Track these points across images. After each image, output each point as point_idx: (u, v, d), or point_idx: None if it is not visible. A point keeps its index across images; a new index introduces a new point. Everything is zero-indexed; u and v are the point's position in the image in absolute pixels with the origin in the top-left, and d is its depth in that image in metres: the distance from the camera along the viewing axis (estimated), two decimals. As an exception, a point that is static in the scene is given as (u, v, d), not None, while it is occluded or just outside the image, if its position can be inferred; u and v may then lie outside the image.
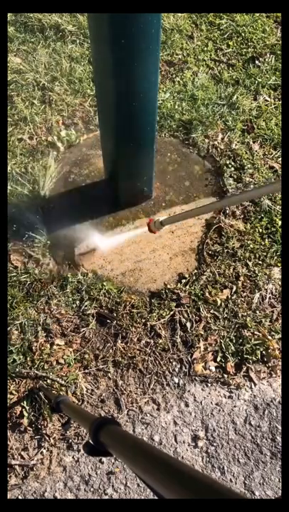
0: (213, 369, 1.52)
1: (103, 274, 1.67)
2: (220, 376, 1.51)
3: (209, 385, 1.50)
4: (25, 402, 1.40)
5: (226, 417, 1.45)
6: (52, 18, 2.21)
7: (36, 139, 1.94)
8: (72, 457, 1.37)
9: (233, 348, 1.54)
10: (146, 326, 1.56)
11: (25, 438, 1.38)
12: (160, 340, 1.54)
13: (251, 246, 1.72)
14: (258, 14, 2.37)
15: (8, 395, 1.40)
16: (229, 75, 2.17)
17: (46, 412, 1.38)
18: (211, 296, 1.61)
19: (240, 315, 1.59)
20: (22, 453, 1.36)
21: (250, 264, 1.69)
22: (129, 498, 1.31)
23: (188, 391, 1.48)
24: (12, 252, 1.67)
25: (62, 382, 1.43)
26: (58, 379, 1.43)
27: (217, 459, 1.39)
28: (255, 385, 1.51)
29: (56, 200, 1.80)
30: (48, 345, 1.50)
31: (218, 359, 1.53)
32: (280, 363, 1.52)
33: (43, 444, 1.37)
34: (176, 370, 1.51)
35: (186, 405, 1.46)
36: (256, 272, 1.68)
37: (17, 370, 1.43)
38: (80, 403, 1.44)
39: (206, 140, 1.98)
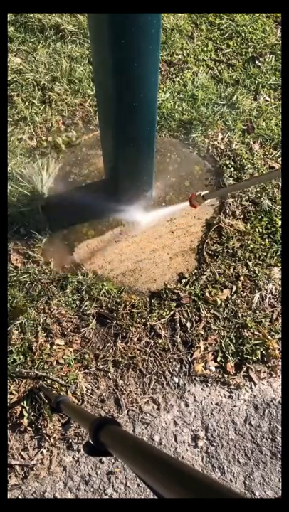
0: (213, 369, 1.52)
1: (103, 274, 1.67)
2: (220, 376, 1.51)
3: (209, 384, 1.50)
4: (25, 402, 1.40)
5: (226, 416, 1.45)
6: (52, 18, 2.21)
7: (36, 139, 1.94)
8: (73, 457, 1.37)
9: (233, 348, 1.54)
10: (146, 326, 1.56)
11: (26, 438, 1.38)
12: (160, 340, 1.54)
13: (251, 246, 1.72)
14: (258, 14, 2.36)
15: (8, 395, 1.41)
16: (229, 75, 2.17)
17: (46, 412, 1.38)
18: (211, 296, 1.61)
19: (240, 315, 1.59)
20: (22, 453, 1.36)
21: (250, 264, 1.69)
22: (129, 498, 1.31)
23: (189, 391, 1.48)
24: (12, 252, 1.67)
25: (62, 382, 1.43)
26: (58, 379, 1.43)
27: (217, 459, 1.39)
28: (255, 385, 1.51)
29: (56, 200, 1.80)
30: (48, 345, 1.50)
31: (218, 359, 1.53)
32: (280, 363, 1.52)
33: (43, 444, 1.37)
34: (176, 370, 1.51)
35: (186, 405, 1.46)
36: (256, 271, 1.68)
37: (17, 370, 1.43)
38: (80, 403, 1.44)
39: (206, 140, 1.98)
